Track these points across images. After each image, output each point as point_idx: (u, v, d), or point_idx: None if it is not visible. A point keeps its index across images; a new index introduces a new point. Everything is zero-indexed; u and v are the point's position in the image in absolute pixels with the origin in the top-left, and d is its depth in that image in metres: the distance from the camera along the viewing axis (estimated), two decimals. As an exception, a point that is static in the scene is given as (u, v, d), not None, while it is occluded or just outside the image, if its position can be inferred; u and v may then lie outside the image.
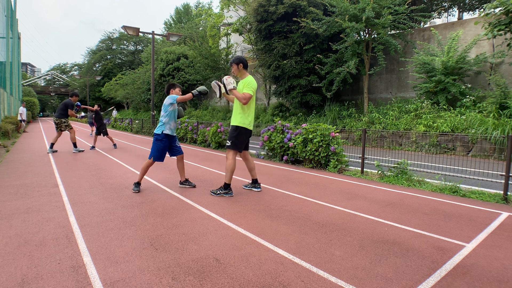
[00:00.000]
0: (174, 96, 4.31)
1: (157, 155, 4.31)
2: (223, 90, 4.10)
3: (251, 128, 4.17)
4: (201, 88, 4.22)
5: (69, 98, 8.38)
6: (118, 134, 15.65)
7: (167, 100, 4.33)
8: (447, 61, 9.84)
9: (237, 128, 4.10)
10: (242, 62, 4.09)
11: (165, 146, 4.37)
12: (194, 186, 4.61)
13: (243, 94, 3.98)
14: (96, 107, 9.80)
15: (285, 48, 12.98)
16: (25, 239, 2.67)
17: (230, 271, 2.17)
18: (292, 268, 2.22)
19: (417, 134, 9.42)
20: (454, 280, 2.10)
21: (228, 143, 4.12)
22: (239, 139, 4.09)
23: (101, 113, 9.87)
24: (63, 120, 8.26)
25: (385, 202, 3.94)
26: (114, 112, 28.95)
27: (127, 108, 37.44)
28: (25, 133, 15.84)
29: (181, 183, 4.66)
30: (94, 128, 14.27)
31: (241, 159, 7.00)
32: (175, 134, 4.51)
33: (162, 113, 4.40)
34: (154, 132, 4.41)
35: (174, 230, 2.90)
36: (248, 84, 4.01)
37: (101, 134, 9.65)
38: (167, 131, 4.33)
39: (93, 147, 9.31)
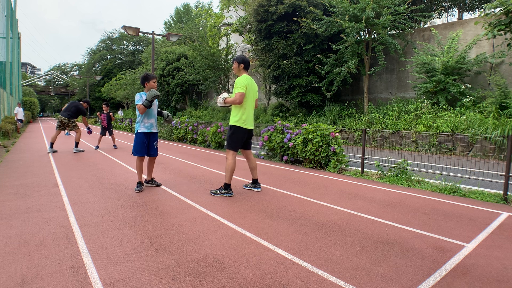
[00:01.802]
0: (138, 99, 4.26)
1: (137, 150, 4.32)
2: (226, 101, 4.14)
3: (247, 126, 4.12)
4: (150, 95, 4.13)
5: (81, 103, 8.51)
6: (118, 134, 15.64)
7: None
8: (447, 61, 9.84)
9: (231, 128, 4.15)
10: (243, 62, 4.12)
11: (143, 142, 4.34)
12: (160, 185, 4.63)
13: (234, 97, 4.02)
14: (104, 107, 9.82)
15: (285, 48, 12.98)
16: (25, 239, 2.67)
17: (230, 271, 2.17)
18: (292, 268, 2.22)
19: (417, 134, 9.42)
20: (454, 280, 2.10)
21: (226, 143, 4.16)
22: (233, 138, 4.11)
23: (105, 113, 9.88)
24: (71, 120, 8.36)
25: (385, 202, 3.93)
26: (120, 112, 28.89)
27: (127, 108, 37.45)
28: (24, 133, 15.82)
29: (146, 182, 4.66)
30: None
31: (243, 159, 7.01)
32: (153, 131, 4.41)
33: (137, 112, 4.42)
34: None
35: (174, 230, 2.90)
36: (236, 84, 4.03)
37: (106, 135, 9.83)
38: (142, 129, 4.34)
39: (97, 147, 9.37)
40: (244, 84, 4.00)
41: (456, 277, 2.14)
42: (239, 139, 4.12)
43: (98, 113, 9.95)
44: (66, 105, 8.64)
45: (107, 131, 9.85)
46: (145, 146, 4.37)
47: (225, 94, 4.19)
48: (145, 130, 4.34)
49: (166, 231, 2.86)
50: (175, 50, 24.64)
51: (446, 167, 6.41)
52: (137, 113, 4.36)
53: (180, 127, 11.76)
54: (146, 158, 5.13)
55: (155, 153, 4.53)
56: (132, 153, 4.37)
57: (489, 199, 4.11)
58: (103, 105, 9.89)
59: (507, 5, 7.23)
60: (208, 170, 6.03)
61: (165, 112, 4.63)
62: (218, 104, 4.19)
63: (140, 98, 4.24)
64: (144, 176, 4.85)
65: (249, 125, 4.15)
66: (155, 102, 4.46)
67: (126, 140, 12.73)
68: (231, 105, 4.16)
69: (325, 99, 13.49)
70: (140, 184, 4.40)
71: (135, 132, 4.41)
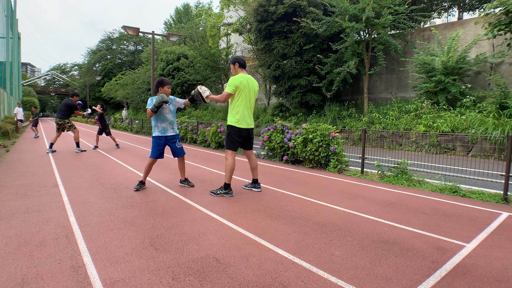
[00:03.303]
0: (149, 103, 4.27)
1: (154, 153, 4.39)
2: (205, 95, 4.15)
3: (242, 126, 4.08)
4: (157, 101, 4.11)
5: (70, 98, 8.36)
6: (118, 134, 15.64)
7: None
8: (447, 61, 9.84)
9: (227, 127, 4.18)
10: (237, 62, 4.13)
11: (159, 145, 4.39)
12: (193, 186, 4.65)
13: (221, 95, 4.05)
14: (99, 107, 9.80)
15: (285, 48, 12.98)
16: (25, 239, 2.67)
17: (230, 271, 2.17)
18: (292, 268, 2.22)
19: (417, 134, 9.42)
20: (454, 280, 2.10)
21: (225, 143, 4.19)
22: (230, 138, 4.12)
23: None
24: (66, 120, 8.28)
25: (385, 202, 3.93)
26: (124, 112, 28.84)
27: (127, 108, 37.45)
28: (24, 133, 15.80)
29: (180, 182, 4.71)
30: (36, 129, 14.02)
31: (243, 159, 7.01)
32: (168, 134, 4.43)
33: None
34: None
35: (174, 230, 2.90)
36: (228, 83, 4.05)
37: (103, 134, 9.73)
38: (156, 133, 4.40)
39: (95, 147, 9.34)
40: (235, 84, 3.99)
41: (456, 277, 2.14)
42: (235, 139, 4.11)
43: (95, 117, 9.89)
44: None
45: (104, 132, 9.75)
46: (161, 150, 4.40)
47: (208, 91, 4.18)
48: (159, 134, 4.40)
49: (166, 231, 2.86)
50: (175, 50, 24.66)
51: (446, 167, 6.41)
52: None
53: (180, 127, 11.76)
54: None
55: (182, 152, 4.57)
56: (150, 156, 4.41)
57: (489, 199, 4.11)
58: (98, 105, 9.86)
59: (507, 5, 7.22)
60: (208, 170, 6.03)
61: (193, 92, 4.41)
62: (196, 92, 4.15)
63: (150, 102, 4.28)
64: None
65: (244, 124, 4.10)
66: (169, 107, 4.41)
67: (126, 140, 12.72)
68: (205, 100, 4.19)
69: (325, 99, 13.49)
70: (141, 183, 4.41)
71: (152, 136, 4.47)
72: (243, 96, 4.06)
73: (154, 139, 4.41)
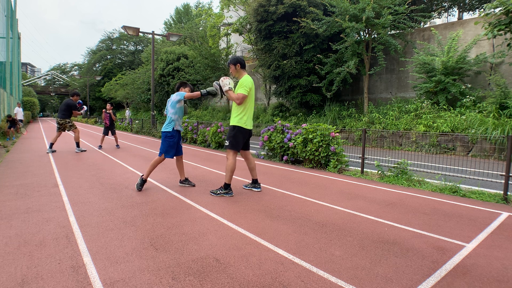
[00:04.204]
0: (182, 93, 4.36)
1: (169, 151, 4.37)
2: (224, 89, 4.13)
3: (249, 127, 4.13)
4: (210, 88, 4.21)
5: (70, 98, 8.39)
6: (118, 134, 15.63)
7: (175, 97, 4.37)
8: (447, 61, 9.84)
9: (234, 128, 4.12)
10: (239, 62, 4.09)
11: (176, 142, 4.43)
12: (194, 185, 4.66)
13: (237, 95, 4.00)
14: (109, 106, 9.80)
15: (285, 48, 12.98)
16: (25, 239, 2.67)
17: (230, 271, 2.17)
18: (292, 268, 2.22)
19: (417, 134, 9.42)
20: (454, 280, 2.10)
21: (227, 143, 4.13)
22: (236, 139, 4.09)
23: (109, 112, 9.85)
24: (67, 120, 8.30)
25: (385, 202, 3.93)
26: (127, 112, 28.81)
27: (127, 108, 37.44)
28: (23, 134, 15.79)
29: (181, 182, 4.70)
30: (13, 131, 13.47)
31: (242, 159, 7.01)
32: (181, 130, 4.63)
33: (170, 109, 4.41)
34: (163, 130, 4.42)
35: (174, 230, 2.90)
36: (241, 84, 4.01)
37: (109, 134, 9.79)
38: (178, 128, 4.43)
39: (100, 147, 9.36)
40: (249, 86, 4.00)
41: (456, 277, 2.14)
42: (240, 140, 4.12)
43: (103, 110, 9.90)
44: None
45: (109, 131, 9.81)
46: (175, 147, 4.43)
47: (228, 85, 4.09)
48: (180, 129, 4.47)
49: (166, 231, 2.86)
50: (175, 50, 24.65)
51: (446, 167, 6.41)
52: (171, 111, 4.37)
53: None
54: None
55: (181, 151, 4.65)
56: (162, 154, 4.36)
57: (489, 199, 4.11)
58: (107, 104, 9.89)
59: (507, 5, 7.22)
60: (208, 170, 6.03)
61: (210, 88, 4.30)
62: (216, 84, 4.12)
63: (183, 93, 4.36)
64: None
65: (249, 125, 4.15)
66: (183, 104, 4.52)
67: (126, 140, 12.73)
68: (222, 95, 4.19)
69: (325, 99, 13.49)
70: (142, 181, 4.36)
71: (168, 131, 4.36)
72: (251, 98, 4.10)
73: (173, 134, 4.36)
